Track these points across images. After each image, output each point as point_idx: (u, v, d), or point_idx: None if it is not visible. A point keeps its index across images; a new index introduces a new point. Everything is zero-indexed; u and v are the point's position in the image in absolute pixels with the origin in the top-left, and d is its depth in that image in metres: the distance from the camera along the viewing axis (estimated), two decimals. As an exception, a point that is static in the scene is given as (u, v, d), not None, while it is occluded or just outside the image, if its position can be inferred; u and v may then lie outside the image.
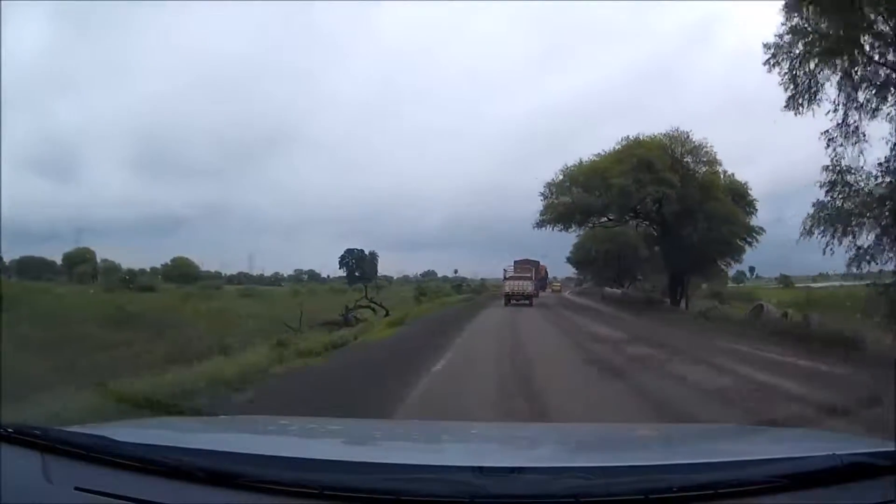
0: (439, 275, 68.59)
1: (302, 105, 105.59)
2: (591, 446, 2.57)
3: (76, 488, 1.60)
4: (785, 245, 20.29)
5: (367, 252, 69.29)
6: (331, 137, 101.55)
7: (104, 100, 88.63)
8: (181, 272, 48.48)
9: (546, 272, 50.53)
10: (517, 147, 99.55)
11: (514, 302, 36.21)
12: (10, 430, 1.80)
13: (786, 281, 46.19)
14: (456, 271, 68.00)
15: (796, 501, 1.57)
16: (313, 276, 66.86)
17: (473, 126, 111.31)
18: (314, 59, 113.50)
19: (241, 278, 56.65)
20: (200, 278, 48.50)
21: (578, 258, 47.94)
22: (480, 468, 1.60)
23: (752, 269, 49.08)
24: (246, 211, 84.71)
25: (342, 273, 69.02)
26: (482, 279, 66.31)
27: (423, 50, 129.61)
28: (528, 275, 39.30)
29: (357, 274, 67.36)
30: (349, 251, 69.50)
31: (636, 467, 1.78)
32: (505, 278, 40.05)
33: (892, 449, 1.76)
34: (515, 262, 41.36)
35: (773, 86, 16.07)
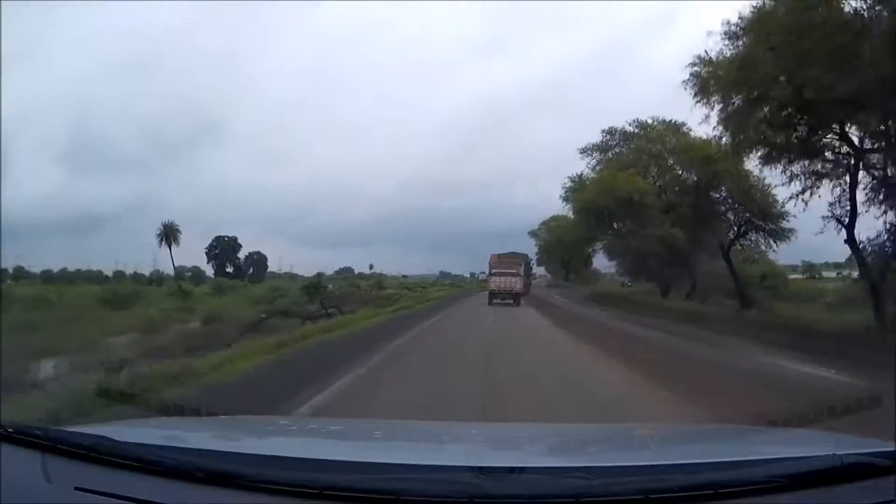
0: (356, 272, 64.41)
1: (227, 97, 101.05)
2: (591, 446, 2.56)
3: (76, 488, 1.60)
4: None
5: (238, 239, 60.42)
6: (256, 132, 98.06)
7: (20, 87, 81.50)
8: None
9: (531, 269, 45.29)
10: (449, 140, 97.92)
11: (499, 301, 32.71)
12: (10, 430, 1.80)
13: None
14: (371, 267, 63.24)
15: (796, 501, 1.57)
16: (197, 273, 60.03)
17: (404, 119, 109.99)
18: (241, 45, 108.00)
19: (112, 276, 51.56)
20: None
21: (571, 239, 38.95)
22: (480, 468, 1.60)
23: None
24: (168, 208, 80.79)
25: (237, 269, 60.60)
26: (404, 275, 63.18)
27: (354, 37, 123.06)
28: (515, 270, 35.04)
29: (228, 269, 59.92)
30: (218, 239, 61.12)
31: (636, 467, 1.78)
32: (490, 273, 35.74)
33: (892, 449, 1.76)
34: (500, 256, 36.45)
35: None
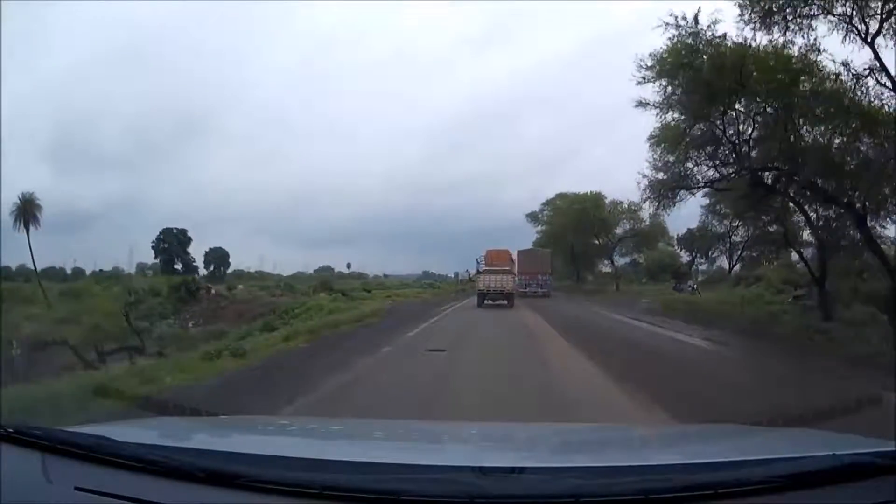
0: (336, 270, 62.05)
1: (213, 95, 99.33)
2: (591, 446, 2.57)
3: (76, 488, 1.60)
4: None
5: (188, 233, 55.61)
6: (242, 130, 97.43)
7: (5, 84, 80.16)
8: None
9: (550, 267, 39.49)
10: (434, 139, 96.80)
11: (490, 301, 29.79)
12: (10, 430, 1.80)
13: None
14: (349, 265, 61.22)
15: (796, 501, 1.57)
16: (157, 271, 55.36)
17: (390, 118, 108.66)
18: (228, 44, 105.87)
19: (70, 274, 47.42)
20: None
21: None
22: (481, 468, 1.60)
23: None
24: (154, 206, 79.29)
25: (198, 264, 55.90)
26: (385, 275, 61.51)
27: (340, 38, 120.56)
28: (507, 267, 32.22)
29: (177, 266, 55.52)
30: (166, 231, 56.39)
31: (636, 467, 1.78)
32: (479, 272, 32.64)
33: (892, 449, 1.76)
34: (521, 252, 33.39)
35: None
